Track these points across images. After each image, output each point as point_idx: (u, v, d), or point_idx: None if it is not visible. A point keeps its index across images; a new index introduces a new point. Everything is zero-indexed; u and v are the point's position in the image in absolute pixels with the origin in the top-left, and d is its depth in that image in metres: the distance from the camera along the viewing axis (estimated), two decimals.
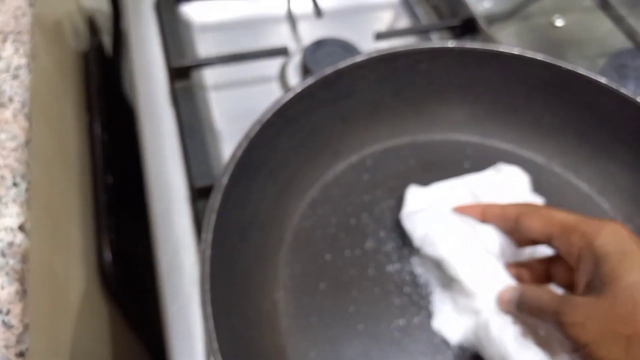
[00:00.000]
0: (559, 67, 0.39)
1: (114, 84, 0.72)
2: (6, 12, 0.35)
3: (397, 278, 0.34)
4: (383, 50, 0.38)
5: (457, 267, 0.31)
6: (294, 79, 0.50)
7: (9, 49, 0.33)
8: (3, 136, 0.28)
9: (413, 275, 0.34)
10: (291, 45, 0.53)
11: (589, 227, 0.27)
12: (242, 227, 0.32)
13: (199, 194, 0.38)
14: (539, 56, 0.39)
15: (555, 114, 0.40)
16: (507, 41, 0.52)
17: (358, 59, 0.37)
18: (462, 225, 0.32)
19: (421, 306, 0.33)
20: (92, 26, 0.70)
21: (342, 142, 0.39)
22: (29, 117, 0.30)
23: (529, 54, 0.39)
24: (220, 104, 0.48)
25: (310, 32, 0.54)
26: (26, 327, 0.23)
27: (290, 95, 0.35)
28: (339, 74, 0.37)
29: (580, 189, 0.40)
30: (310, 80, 0.36)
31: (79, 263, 0.46)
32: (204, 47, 0.53)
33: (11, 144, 0.28)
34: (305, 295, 0.33)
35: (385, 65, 0.39)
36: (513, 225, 0.31)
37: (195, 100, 0.46)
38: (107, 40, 0.73)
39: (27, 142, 0.29)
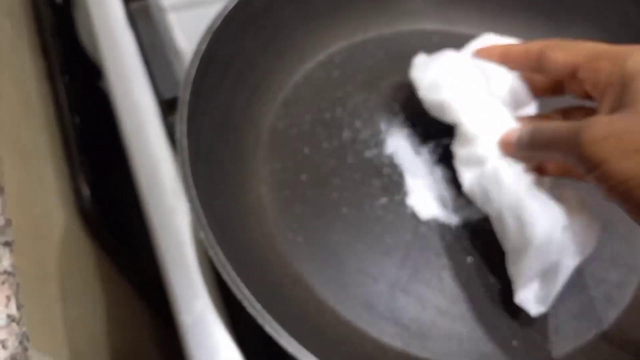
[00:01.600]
0: None
1: (68, 28, 0.69)
2: None
3: (377, 162, 0.34)
4: None
5: (460, 110, 0.30)
6: None
7: None
8: None
9: (391, 157, 0.34)
10: None
11: (620, 51, 0.26)
12: (217, 127, 0.31)
13: (168, 107, 0.38)
14: None
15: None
16: None
17: None
18: (473, 70, 0.31)
19: (401, 184, 0.33)
20: None
21: (308, 41, 0.39)
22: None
23: None
24: (181, 25, 0.47)
25: None
26: (8, 222, 0.23)
27: None
28: None
29: None
30: None
31: (58, 204, 0.45)
32: None
33: None
34: (288, 189, 0.33)
35: None
36: (536, 64, 0.29)
37: (154, 21, 0.45)
38: None
39: None
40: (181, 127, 0.27)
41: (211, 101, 0.31)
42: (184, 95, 0.28)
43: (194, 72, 0.29)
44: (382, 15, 0.41)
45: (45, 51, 0.58)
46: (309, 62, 0.38)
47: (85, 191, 0.47)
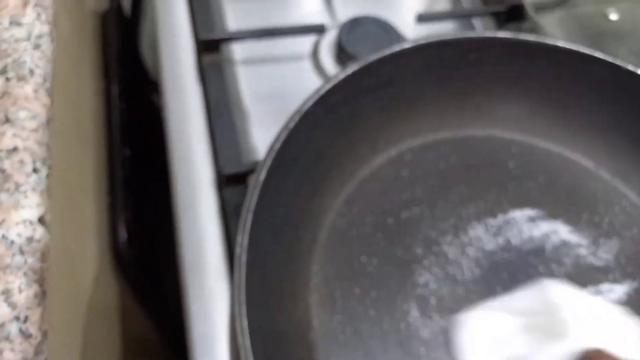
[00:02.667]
0: (618, 67, 0.36)
1: (132, 47, 0.69)
2: None
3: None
4: (431, 38, 0.35)
5: None
6: (328, 59, 0.47)
7: (30, 14, 0.30)
8: (22, 114, 0.26)
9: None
10: (325, 20, 0.50)
11: None
12: (276, 229, 0.30)
13: (226, 181, 0.36)
14: (598, 54, 0.36)
15: (608, 115, 0.38)
16: (555, 31, 0.48)
17: (405, 45, 0.35)
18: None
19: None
20: None
21: (381, 134, 0.37)
22: (50, 93, 0.28)
23: (587, 50, 0.36)
24: (249, 81, 0.46)
25: (344, 6, 0.51)
26: (45, 334, 0.22)
27: (332, 83, 0.32)
28: (383, 61, 0.34)
29: (628, 197, 0.38)
30: (353, 68, 0.33)
31: (92, 241, 0.44)
32: (233, 17, 0.49)
33: (31, 124, 0.26)
34: (340, 300, 0.31)
35: (431, 53, 0.36)
36: None
37: (224, 76, 0.43)
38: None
39: (49, 121, 0.27)
40: (242, 241, 0.25)
41: (275, 202, 0.29)
42: (250, 202, 0.26)
43: (264, 175, 0.27)
44: (461, 115, 0.39)
45: (107, 73, 0.57)
46: (379, 157, 0.36)
47: (123, 233, 0.45)
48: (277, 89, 0.46)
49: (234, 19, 0.49)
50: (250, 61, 0.47)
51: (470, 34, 0.37)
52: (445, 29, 0.50)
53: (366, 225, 0.34)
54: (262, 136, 0.42)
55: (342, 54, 0.46)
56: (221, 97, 0.41)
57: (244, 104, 0.44)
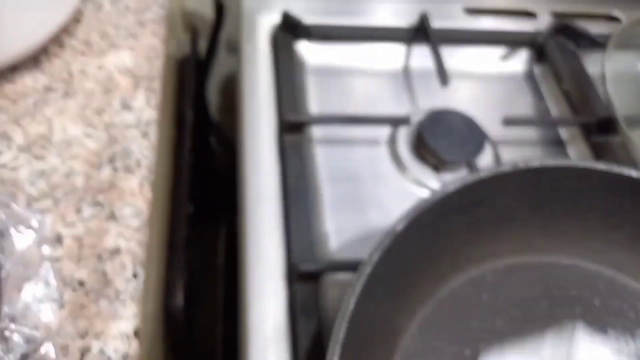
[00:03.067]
0: None
1: (201, 95, 0.69)
2: (139, 52, 0.32)
3: None
4: (531, 163, 0.34)
5: None
6: (405, 148, 0.46)
7: (140, 98, 0.30)
8: (127, 211, 0.26)
9: None
10: (406, 106, 0.49)
11: None
12: (352, 350, 0.28)
13: (298, 277, 0.35)
14: None
15: None
16: None
17: (503, 169, 0.33)
18: None
19: None
20: (194, 33, 0.68)
21: (463, 252, 0.35)
22: (154, 187, 0.27)
23: None
24: (324, 161, 0.45)
25: (424, 92, 0.51)
26: None
27: (427, 204, 0.31)
28: (480, 182, 0.33)
29: None
30: (449, 189, 0.32)
31: (150, 301, 0.43)
32: (314, 93, 0.49)
33: (135, 222, 0.25)
34: None
35: (529, 178, 0.34)
36: None
37: (303, 156, 0.43)
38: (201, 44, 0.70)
39: (150, 219, 0.26)
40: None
41: (356, 324, 0.28)
42: (338, 335, 0.25)
43: (353, 303, 0.26)
44: (549, 240, 0.37)
45: (180, 122, 0.58)
46: (459, 277, 0.35)
47: (180, 297, 0.45)
48: (351, 173, 0.45)
49: (315, 94, 0.49)
50: (327, 141, 0.46)
51: (570, 163, 0.36)
52: (528, 133, 0.49)
53: (442, 355, 0.32)
54: (335, 222, 0.41)
55: (421, 146, 0.45)
56: (299, 178, 0.41)
57: (318, 186, 0.43)
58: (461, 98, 0.51)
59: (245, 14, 0.53)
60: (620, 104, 0.45)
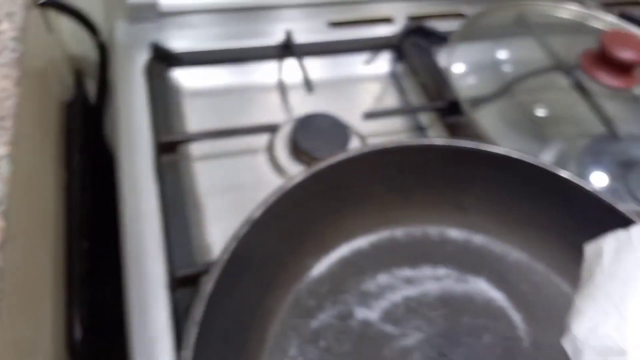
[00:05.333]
0: (552, 173, 0.38)
1: (96, 134, 0.70)
2: None
3: None
4: (374, 146, 0.38)
5: None
6: (283, 153, 0.49)
7: None
8: None
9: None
10: (281, 116, 0.52)
11: None
12: (223, 333, 0.31)
13: (178, 283, 0.37)
14: (527, 158, 0.39)
15: (543, 214, 0.40)
16: (490, 122, 0.51)
17: (350, 154, 0.37)
18: None
19: None
20: (79, 76, 0.69)
21: (327, 234, 0.38)
22: (7, 215, 0.29)
23: (515, 154, 0.39)
24: (204, 176, 0.47)
25: (298, 101, 0.54)
26: None
27: (280, 193, 0.34)
28: (331, 168, 0.36)
29: (559, 287, 0.40)
30: (302, 176, 0.35)
31: (47, 336, 0.43)
32: (192, 115, 0.52)
33: None
34: None
35: (375, 158, 0.38)
36: None
37: (180, 173, 0.45)
38: (89, 86, 0.71)
39: (4, 244, 0.27)
40: (186, 355, 0.26)
41: (223, 310, 0.30)
42: (195, 314, 0.27)
43: (211, 287, 0.28)
44: (405, 212, 0.41)
45: (69, 164, 0.58)
46: (326, 257, 0.38)
47: (79, 332, 0.45)
48: (232, 183, 0.48)
49: (192, 116, 0.52)
50: (206, 157, 0.49)
51: (408, 142, 0.40)
52: (394, 124, 0.53)
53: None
54: (218, 231, 0.44)
55: (295, 148, 0.48)
56: (177, 195, 0.43)
57: (199, 198, 0.46)
58: (332, 102, 0.54)
59: (118, 49, 0.55)
60: (465, 88, 0.51)
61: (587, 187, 0.37)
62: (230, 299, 0.31)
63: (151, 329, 0.36)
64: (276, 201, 0.34)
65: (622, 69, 0.50)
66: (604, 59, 0.50)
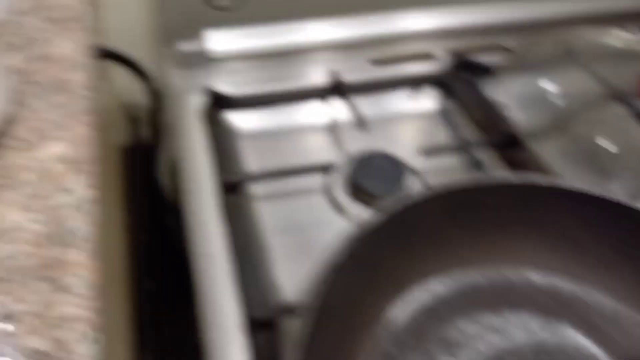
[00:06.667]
0: (628, 207, 0.38)
1: (151, 176, 0.72)
2: (71, 141, 0.34)
3: None
4: (450, 186, 0.38)
5: None
6: (342, 193, 0.50)
7: (76, 180, 0.31)
8: (75, 281, 0.27)
9: None
10: (332, 155, 0.53)
11: None
12: None
13: (256, 325, 0.37)
14: (609, 196, 0.38)
15: (628, 255, 0.39)
16: (552, 157, 0.51)
17: (426, 195, 0.37)
18: None
19: None
20: (132, 122, 0.71)
21: (404, 274, 0.39)
22: (102, 260, 0.29)
23: (597, 191, 0.38)
24: (265, 216, 0.48)
25: (348, 140, 0.55)
26: None
27: (360, 234, 0.34)
28: (405, 210, 0.37)
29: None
30: (376, 220, 0.36)
31: None
32: (247, 156, 0.53)
33: (85, 291, 0.27)
34: None
35: (449, 199, 0.38)
36: None
37: (245, 214, 0.46)
38: (142, 130, 0.73)
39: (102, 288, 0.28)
40: None
41: (309, 356, 0.30)
42: None
43: (307, 332, 0.29)
44: (476, 253, 0.41)
45: (131, 207, 0.60)
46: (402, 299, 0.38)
47: None
48: (293, 223, 0.48)
49: (249, 157, 0.53)
50: (265, 198, 0.49)
51: (482, 180, 0.39)
52: (451, 162, 0.53)
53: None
54: (286, 272, 0.44)
55: (354, 188, 0.49)
56: (244, 235, 0.44)
57: (264, 240, 0.46)
58: (381, 140, 0.55)
59: (172, 95, 0.57)
60: (520, 122, 0.51)
61: None
62: (314, 343, 0.32)
63: None
64: (354, 243, 0.34)
65: None
66: None
